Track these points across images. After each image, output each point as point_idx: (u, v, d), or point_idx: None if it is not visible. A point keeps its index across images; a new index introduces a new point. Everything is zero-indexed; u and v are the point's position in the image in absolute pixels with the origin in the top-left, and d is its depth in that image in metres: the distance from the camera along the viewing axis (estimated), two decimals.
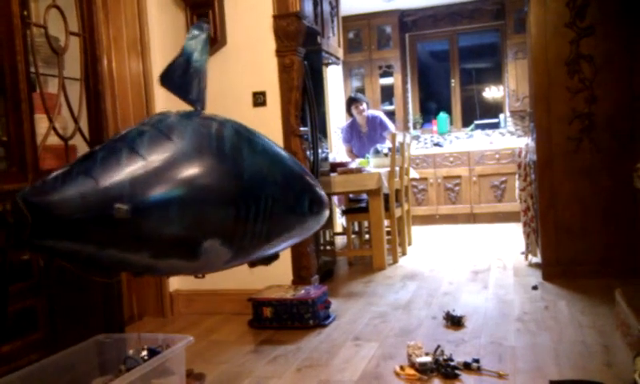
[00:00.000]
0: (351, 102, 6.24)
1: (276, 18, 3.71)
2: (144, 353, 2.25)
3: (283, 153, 2.13)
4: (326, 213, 2.23)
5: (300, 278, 3.80)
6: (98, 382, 2.27)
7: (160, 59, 3.78)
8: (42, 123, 2.53)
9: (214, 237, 1.81)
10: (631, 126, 3.80)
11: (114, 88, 3.56)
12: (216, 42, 3.77)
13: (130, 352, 2.32)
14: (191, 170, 1.77)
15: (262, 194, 1.89)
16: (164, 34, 3.86)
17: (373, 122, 6.20)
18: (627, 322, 2.73)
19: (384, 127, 6.14)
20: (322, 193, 2.22)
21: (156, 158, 1.73)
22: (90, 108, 2.71)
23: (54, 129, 2.55)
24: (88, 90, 2.70)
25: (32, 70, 2.46)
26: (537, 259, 4.49)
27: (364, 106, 6.17)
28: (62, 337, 2.42)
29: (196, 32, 2.06)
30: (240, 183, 1.86)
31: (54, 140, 2.59)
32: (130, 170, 1.69)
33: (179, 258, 1.82)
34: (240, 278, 3.63)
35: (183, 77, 2.00)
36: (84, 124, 2.73)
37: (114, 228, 1.66)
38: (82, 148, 2.69)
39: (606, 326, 3.05)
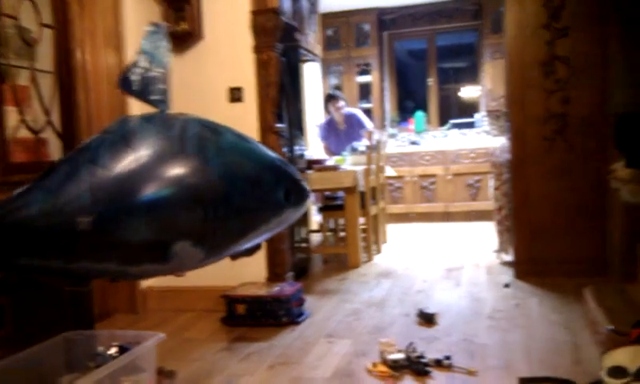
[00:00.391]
0: (329, 99, 6.24)
1: (254, 13, 3.69)
2: (113, 350, 2.21)
3: (255, 146, 2.10)
4: (306, 202, 2.21)
5: (274, 275, 3.78)
6: (66, 380, 2.23)
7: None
8: (11, 116, 2.49)
9: (184, 239, 1.81)
10: (604, 127, 3.86)
11: (87, 81, 3.49)
12: (193, 36, 3.74)
13: (100, 349, 2.29)
14: (153, 177, 1.76)
15: (231, 191, 1.88)
16: (140, 27, 3.79)
17: (350, 119, 6.20)
18: (596, 320, 2.78)
19: (361, 125, 6.15)
20: (302, 181, 2.20)
21: (116, 166, 1.74)
22: (63, 101, 2.66)
23: (25, 122, 2.51)
24: (60, 82, 2.66)
25: (2, 61, 2.41)
26: (509, 257, 4.54)
27: (341, 103, 6.17)
28: (29, 334, 2.38)
29: (153, 31, 2.04)
30: (206, 183, 1.85)
31: (24, 133, 2.54)
32: (89, 181, 1.71)
33: (150, 263, 1.83)
34: (213, 275, 3.59)
35: (143, 79, 1.98)
36: (56, 117, 2.68)
37: (80, 240, 1.70)
38: (53, 141, 2.65)
39: (575, 324, 3.09)
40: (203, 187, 1.84)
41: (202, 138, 1.90)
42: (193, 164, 1.84)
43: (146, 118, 1.93)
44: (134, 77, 1.97)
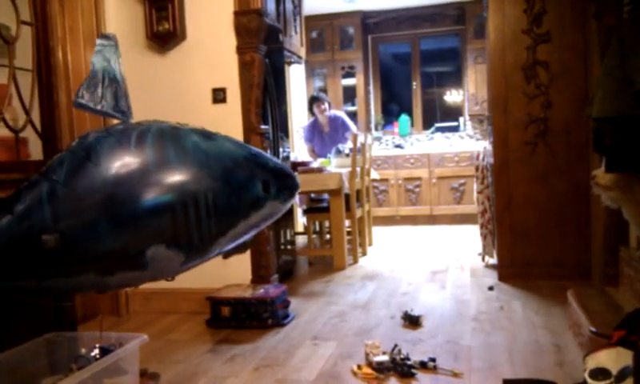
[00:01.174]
0: (313, 101, 6.24)
1: (237, 14, 3.67)
2: (96, 352, 2.19)
3: (222, 143, 2.07)
4: (292, 191, 2.17)
5: (259, 277, 3.77)
6: (48, 382, 2.20)
7: None
8: None
9: (156, 243, 1.82)
10: (585, 132, 3.90)
11: (69, 80, 3.45)
12: (175, 36, 3.71)
13: (82, 351, 2.26)
14: (113, 187, 1.80)
15: (198, 192, 1.88)
16: (122, 26, 3.77)
17: (334, 122, 6.21)
18: (579, 322, 2.80)
19: (346, 128, 6.16)
20: (285, 170, 2.16)
21: (76, 182, 1.79)
22: (43, 100, 2.62)
23: (4, 120, 2.47)
24: (40, 81, 2.62)
25: None
26: (493, 260, 4.57)
27: (326, 105, 6.17)
28: (10, 335, 2.33)
29: (103, 43, 2.07)
30: (169, 187, 1.85)
31: (4, 132, 2.50)
32: (50, 201, 1.77)
33: (128, 270, 1.85)
34: (198, 277, 3.56)
35: (100, 93, 2.02)
36: (36, 116, 2.64)
37: (49, 258, 1.75)
38: (33, 141, 2.61)
39: (558, 326, 3.12)
40: (167, 190, 1.85)
41: (161, 143, 1.91)
42: (153, 170, 1.86)
43: (105, 131, 1.96)
44: (90, 94, 1.99)
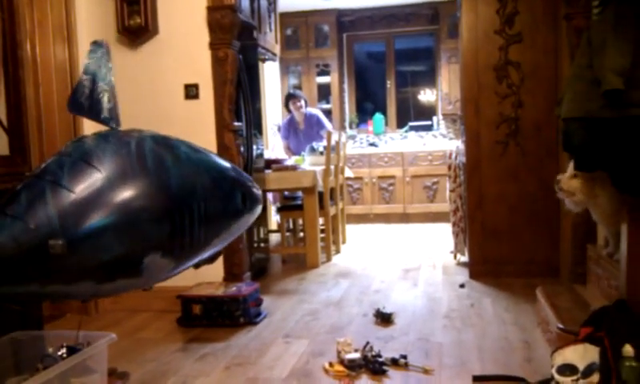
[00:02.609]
0: (289, 98, 6.25)
1: (210, 9, 3.64)
2: (63, 351, 2.14)
3: (208, 155, 2.17)
4: (260, 205, 2.30)
5: (231, 275, 3.74)
6: (13, 382, 2.15)
7: (87, 46, 3.63)
8: None
9: (154, 251, 1.85)
10: (555, 131, 3.96)
11: (37, 74, 3.39)
12: (147, 31, 3.67)
13: (50, 350, 2.22)
14: (119, 194, 1.79)
15: (193, 201, 1.93)
16: (92, 20, 3.71)
17: (310, 119, 6.22)
18: (547, 319, 2.85)
19: (321, 125, 6.17)
20: (254, 186, 2.28)
21: (81, 187, 1.75)
22: (9, 95, 2.56)
23: None
24: (7, 75, 2.55)
25: None
26: (465, 258, 4.61)
27: (302, 102, 6.18)
28: None
29: (95, 50, 2.07)
30: (170, 195, 1.89)
31: None
32: (56, 204, 1.71)
33: (124, 278, 1.85)
34: None
35: (91, 98, 2.03)
36: (2, 111, 2.58)
37: (53, 264, 1.69)
38: None
39: (527, 323, 3.16)
40: (167, 200, 1.88)
41: (159, 152, 1.95)
42: (155, 178, 1.88)
43: (102, 137, 1.95)
44: (83, 98, 1.98)
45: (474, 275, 4.22)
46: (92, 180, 1.78)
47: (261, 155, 4.84)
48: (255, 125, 4.48)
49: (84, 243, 1.72)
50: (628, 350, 1.91)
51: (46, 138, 3.47)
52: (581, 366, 2.08)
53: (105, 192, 1.77)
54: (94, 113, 2.02)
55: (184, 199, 1.92)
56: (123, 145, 1.90)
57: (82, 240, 1.71)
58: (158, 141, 2.00)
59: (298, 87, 7.84)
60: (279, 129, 6.42)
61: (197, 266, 2.16)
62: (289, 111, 6.32)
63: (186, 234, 1.91)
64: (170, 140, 2.05)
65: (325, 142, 5.51)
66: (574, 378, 2.07)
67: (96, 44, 2.08)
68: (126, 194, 1.80)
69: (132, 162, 1.86)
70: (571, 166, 2.66)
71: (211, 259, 2.20)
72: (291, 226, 6.05)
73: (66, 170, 1.78)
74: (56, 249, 1.66)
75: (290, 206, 5.45)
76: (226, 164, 2.25)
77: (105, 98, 2.02)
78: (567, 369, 2.12)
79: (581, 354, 2.12)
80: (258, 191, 2.31)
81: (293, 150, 6.27)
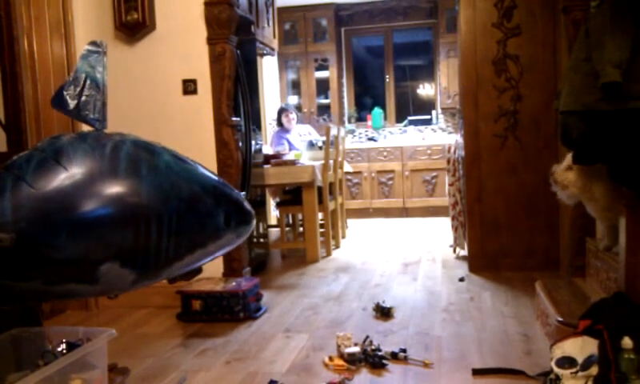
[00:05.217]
0: (282, 112, 6.41)
1: (207, 4, 3.63)
2: (63, 347, 2.15)
3: (194, 167, 2.06)
4: (249, 226, 2.18)
5: (231, 271, 3.75)
6: (14, 378, 2.15)
7: (84, 42, 3.60)
8: None
9: (112, 260, 1.76)
10: (554, 125, 3.96)
11: (34, 70, 3.38)
12: (144, 26, 3.66)
13: (50, 346, 2.22)
14: (81, 195, 1.72)
15: (164, 212, 1.83)
16: (89, 15, 3.70)
17: (302, 131, 6.40)
18: (546, 312, 2.85)
19: (311, 135, 6.37)
20: (245, 205, 2.17)
21: (42, 184, 1.68)
22: (6, 90, 2.56)
23: None
24: (4, 71, 2.55)
25: None
26: (464, 252, 4.62)
27: (294, 114, 6.38)
28: None
29: (92, 49, 2.01)
30: (137, 203, 1.80)
31: None
32: (13, 197, 1.64)
33: (77, 283, 1.77)
34: None
35: (79, 97, 1.94)
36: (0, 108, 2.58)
37: (1, 258, 1.62)
38: None
39: (526, 316, 3.17)
40: (134, 207, 1.79)
41: (136, 157, 1.86)
42: (124, 183, 1.79)
43: (80, 137, 1.88)
44: (70, 96, 1.93)
45: (473, 269, 4.23)
46: (56, 178, 1.71)
47: (260, 150, 4.84)
48: (254, 120, 4.48)
49: (36, 240, 1.65)
50: (627, 342, 1.92)
51: (44, 134, 3.46)
52: (580, 359, 2.09)
53: (66, 190, 1.70)
54: (81, 112, 1.97)
55: (153, 210, 1.81)
56: (99, 146, 1.83)
57: (34, 236, 1.64)
58: (139, 146, 1.91)
59: (297, 82, 7.87)
60: (273, 140, 6.47)
61: (171, 280, 2.07)
62: (281, 125, 6.40)
63: (152, 246, 1.81)
64: (152, 147, 1.97)
65: (323, 137, 5.51)
66: (573, 370, 2.07)
67: (94, 43, 2.04)
68: (88, 196, 1.72)
69: (102, 165, 1.78)
70: (567, 157, 2.66)
71: (188, 276, 2.10)
72: (291, 221, 6.06)
73: (32, 165, 1.72)
74: (4, 242, 1.60)
75: (289, 200, 5.43)
76: (214, 178, 2.12)
77: (94, 98, 1.98)
78: (566, 361, 2.12)
79: (580, 347, 2.13)
80: (249, 211, 2.18)
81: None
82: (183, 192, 1.93)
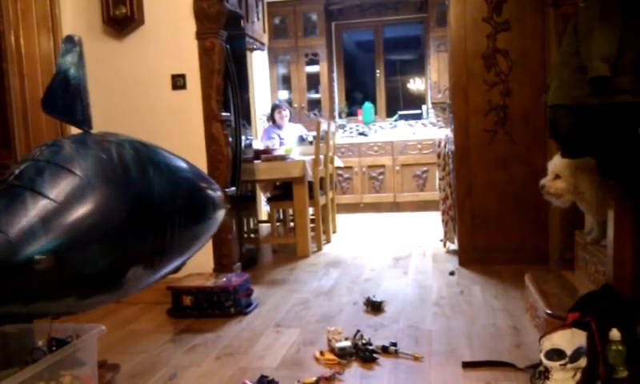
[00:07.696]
0: (275, 108, 6.41)
1: None
2: (52, 343, 2.13)
3: (182, 163, 2.07)
4: (222, 212, 2.22)
5: (221, 266, 3.74)
6: (2, 375, 2.14)
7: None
8: None
9: (137, 264, 1.76)
10: (543, 119, 3.97)
11: (22, 66, 3.34)
12: (133, 20, 3.63)
13: (39, 343, 2.20)
14: (105, 204, 1.66)
15: (173, 212, 1.85)
16: (76, 10, 3.67)
17: (294, 129, 6.39)
18: (535, 304, 2.87)
19: (302, 134, 6.37)
20: (218, 193, 2.21)
21: (64, 197, 1.60)
22: None
23: None
24: None
25: None
26: (454, 246, 4.63)
27: (287, 111, 6.37)
28: None
29: (69, 47, 1.93)
30: (153, 206, 1.80)
31: None
32: (39, 214, 1.54)
33: (104, 293, 1.76)
34: None
35: (64, 98, 1.88)
36: None
37: (39, 280, 1.53)
38: None
39: (516, 310, 3.19)
40: (151, 210, 1.79)
41: (140, 160, 1.84)
42: (138, 188, 1.77)
43: (80, 142, 1.81)
44: (58, 95, 1.88)
45: (463, 263, 4.24)
46: (75, 189, 1.62)
47: (250, 145, 4.83)
48: (244, 115, 4.47)
49: (70, 257, 1.56)
50: (614, 334, 1.93)
51: (32, 131, 3.43)
52: (568, 351, 2.10)
53: (89, 202, 1.63)
54: (68, 113, 1.91)
55: (166, 209, 1.82)
56: (103, 151, 1.77)
57: (69, 254, 1.56)
58: (138, 147, 1.88)
59: (287, 77, 7.85)
60: (264, 135, 6.46)
61: (162, 277, 2.07)
62: (273, 121, 6.40)
63: (167, 244, 1.83)
64: (149, 146, 1.95)
65: (314, 132, 5.51)
66: (562, 362, 2.09)
67: (70, 41, 1.95)
68: (112, 205, 1.67)
69: (115, 170, 1.73)
70: (551, 168, 2.71)
71: (176, 270, 2.11)
72: (281, 216, 6.05)
73: (45, 177, 1.62)
74: (42, 264, 1.50)
75: (279, 196, 5.43)
76: (198, 172, 2.14)
77: (77, 98, 1.91)
78: (555, 353, 2.13)
79: (568, 339, 2.14)
80: (219, 197, 2.20)
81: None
82: (183, 189, 1.97)
